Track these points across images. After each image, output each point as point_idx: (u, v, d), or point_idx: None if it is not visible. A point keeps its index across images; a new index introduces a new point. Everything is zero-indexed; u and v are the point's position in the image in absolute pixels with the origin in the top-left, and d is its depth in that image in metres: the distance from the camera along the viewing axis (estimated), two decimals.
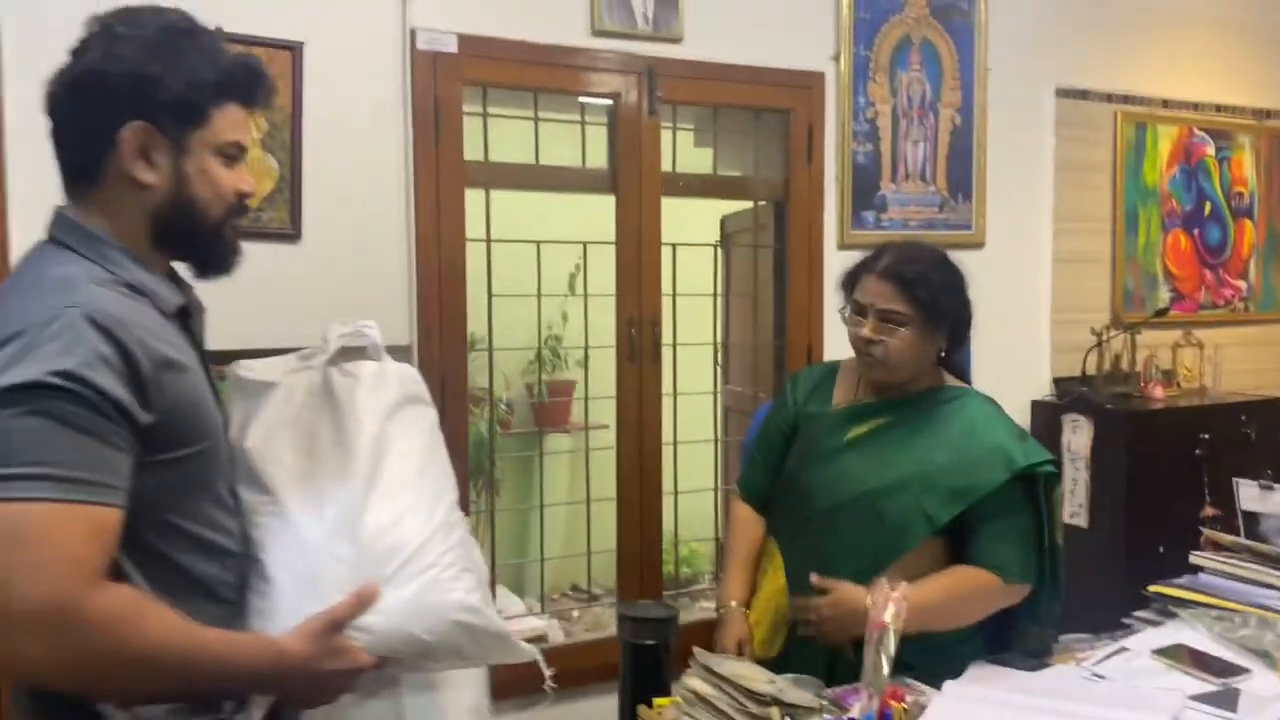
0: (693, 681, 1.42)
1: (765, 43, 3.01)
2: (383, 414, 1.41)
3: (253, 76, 1.31)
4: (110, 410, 1.12)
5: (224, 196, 1.30)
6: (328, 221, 2.49)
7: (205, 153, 1.27)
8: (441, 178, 2.60)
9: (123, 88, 1.21)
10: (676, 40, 2.87)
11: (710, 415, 3.26)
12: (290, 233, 2.46)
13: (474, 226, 2.70)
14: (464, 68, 2.61)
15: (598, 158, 2.91)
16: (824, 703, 1.33)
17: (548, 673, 1.50)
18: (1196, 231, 3.88)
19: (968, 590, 1.90)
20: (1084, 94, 3.60)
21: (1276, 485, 2.21)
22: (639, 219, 2.87)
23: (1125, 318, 3.63)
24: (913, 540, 1.91)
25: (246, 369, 1.48)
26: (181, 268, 1.38)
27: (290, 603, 1.27)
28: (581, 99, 2.87)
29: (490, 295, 2.81)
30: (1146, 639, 1.96)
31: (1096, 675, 1.83)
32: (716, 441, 3.23)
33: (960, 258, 3.30)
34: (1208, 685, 1.76)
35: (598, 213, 2.97)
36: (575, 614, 3.29)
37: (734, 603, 2.03)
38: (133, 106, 1.21)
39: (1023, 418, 3.54)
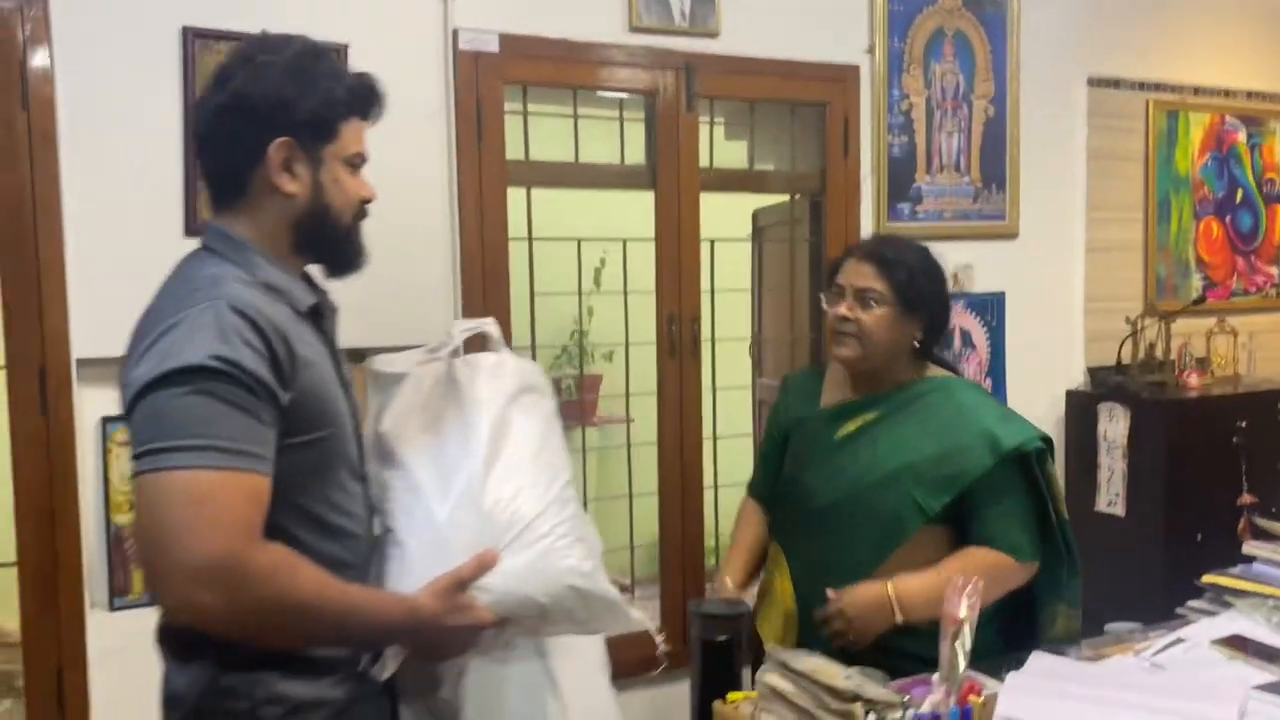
0: (770, 677, 1.44)
1: (800, 36, 3.01)
2: (502, 399, 1.54)
3: (372, 93, 1.47)
4: (259, 389, 1.27)
5: (352, 202, 1.46)
6: (373, 221, 2.48)
7: (336, 163, 1.42)
8: (485, 177, 2.62)
9: (267, 109, 1.36)
10: (713, 35, 2.88)
11: (748, 409, 3.27)
12: None
13: (513, 225, 2.71)
14: (505, 67, 2.62)
15: (634, 154, 2.92)
16: (906, 697, 1.35)
17: (659, 638, 1.60)
18: (1228, 218, 3.87)
19: (981, 569, 1.87)
20: (1116, 83, 3.59)
21: None
22: (677, 215, 2.88)
23: (1158, 306, 3.63)
24: (908, 531, 1.94)
25: (381, 363, 1.65)
26: (314, 271, 1.53)
27: (420, 566, 1.40)
28: (620, 95, 2.87)
29: (533, 294, 2.81)
30: (1204, 629, 1.97)
31: (1156, 665, 1.85)
32: (755, 436, 3.24)
33: (992, 249, 3.36)
34: (1270, 675, 1.76)
35: (617, 209, 2.99)
36: None
37: (728, 579, 2.07)
38: (276, 125, 1.37)
39: (1057, 407, 3.55)
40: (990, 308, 3.39)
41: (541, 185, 2.82)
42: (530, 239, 2.79)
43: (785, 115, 3.14)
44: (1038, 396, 3.51)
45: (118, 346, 2.29)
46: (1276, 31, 3.94)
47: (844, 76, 3.08)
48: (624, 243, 2.96)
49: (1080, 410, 3.48)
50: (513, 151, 2.70)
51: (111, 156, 2.27)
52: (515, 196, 2.72)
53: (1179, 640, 1.93)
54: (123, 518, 2.34)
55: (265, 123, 1.37)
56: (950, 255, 3.26)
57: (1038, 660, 1.89)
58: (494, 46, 2.60)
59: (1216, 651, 1.87)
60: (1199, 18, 3.77)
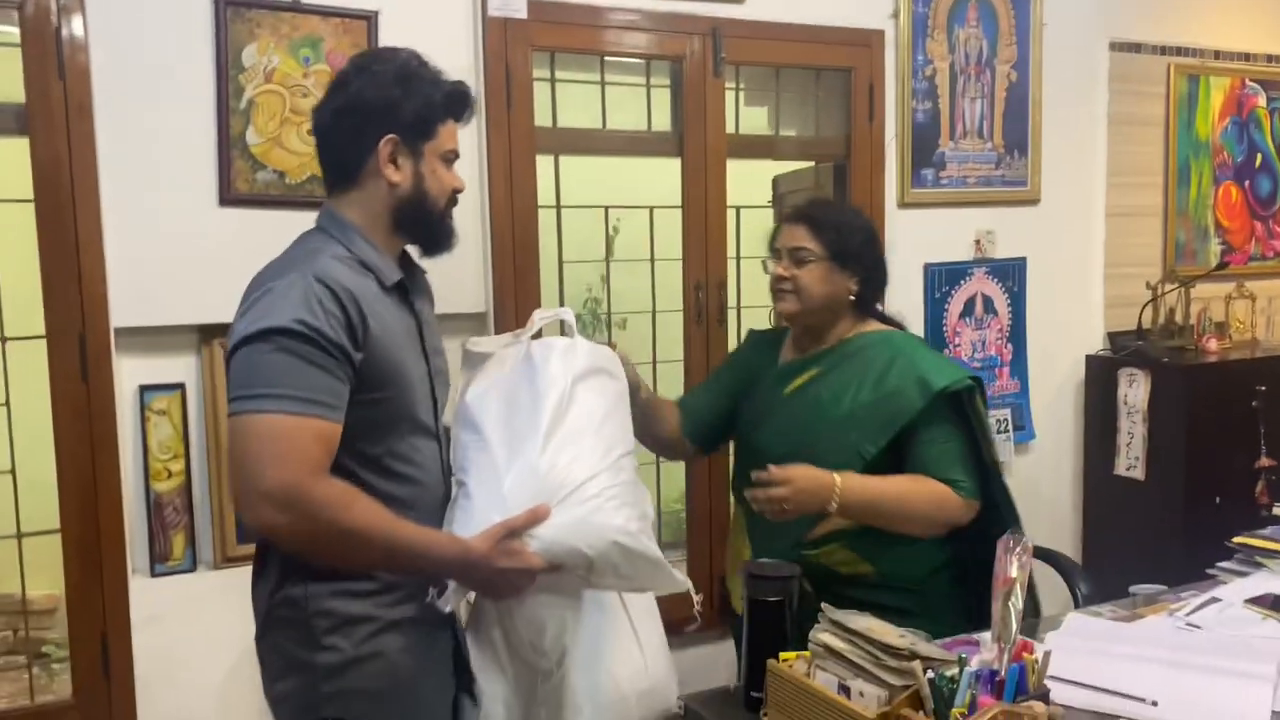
0: (823, 636, 1.46)
1: (825, 1, 3.00)
2: (570, 377, 1.71)
3: (465, 99, 1.69)
4: (334, 349, 1.49)
5: (445, 191, 1.68)
6: None
7: (434, 158, 1.65)
8: (514, 144, 2.62)
9: (378, 111, 1.60)
10: (739, 1, 2.87)
11: None
12: None
13: (541, 193, 2.71)
14: (534, 33, 2.62)
15: (659, 122, 2.92)
16: (962, 654, 1.37)
17: (696, 598, 1.77)
18: (1247, 183, 3.87)
19: (923, 491, 1.99)
20: (1137, 47, 3.58)
21: None
22: (704, 181, 2.88)
23: (1178, 271, 3.64)
24: None
25: (473, 344, 1.88)
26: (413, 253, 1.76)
27: (480, 514, 1.58)
28: (646, 61, 2.86)
29: (561, 262, 2.82)
30: (1236, 589, 2.00)
31: (1192, 625, 1.88)
32: None
33: (1014, 215, 3.37)
34: None
35: (633, 175, 2.98)
36: None
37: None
38: (385, 124, 1.60)
39: (1077, 372, 3.57)
40: (1012, 273, 3.40)
41: (569, 153, 2.82)
42: (559, 206, 2.80)
43: (806, 81, 3.14)
44: (1058, 361, 3.53)
45: (155, 315, 2.34)
46: None
47: (869, 41, 3.07)
48: (650, 210, 2.96)
49: (1100, 375, 3.50)
50: (540, 119, 2.70)
51: (146, 126, 2.27)
52: (543, 164, 2.72)
53: (1213, 600, 1.96)
54: (161, 485, 2.36)
55: (376, 122, 1.59)
56: (973, 221, 3.33)
57: (1075, 621, 1.93)
58: (523, 13, 2.59)
59: (1251, 611, 1.91)
60: None
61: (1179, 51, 3.66)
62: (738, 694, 1.67)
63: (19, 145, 2.18)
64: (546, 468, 1.60)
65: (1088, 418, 3.56)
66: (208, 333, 2.37)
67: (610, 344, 1.98)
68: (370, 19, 2.44)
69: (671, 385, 2.98)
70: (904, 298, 3.20)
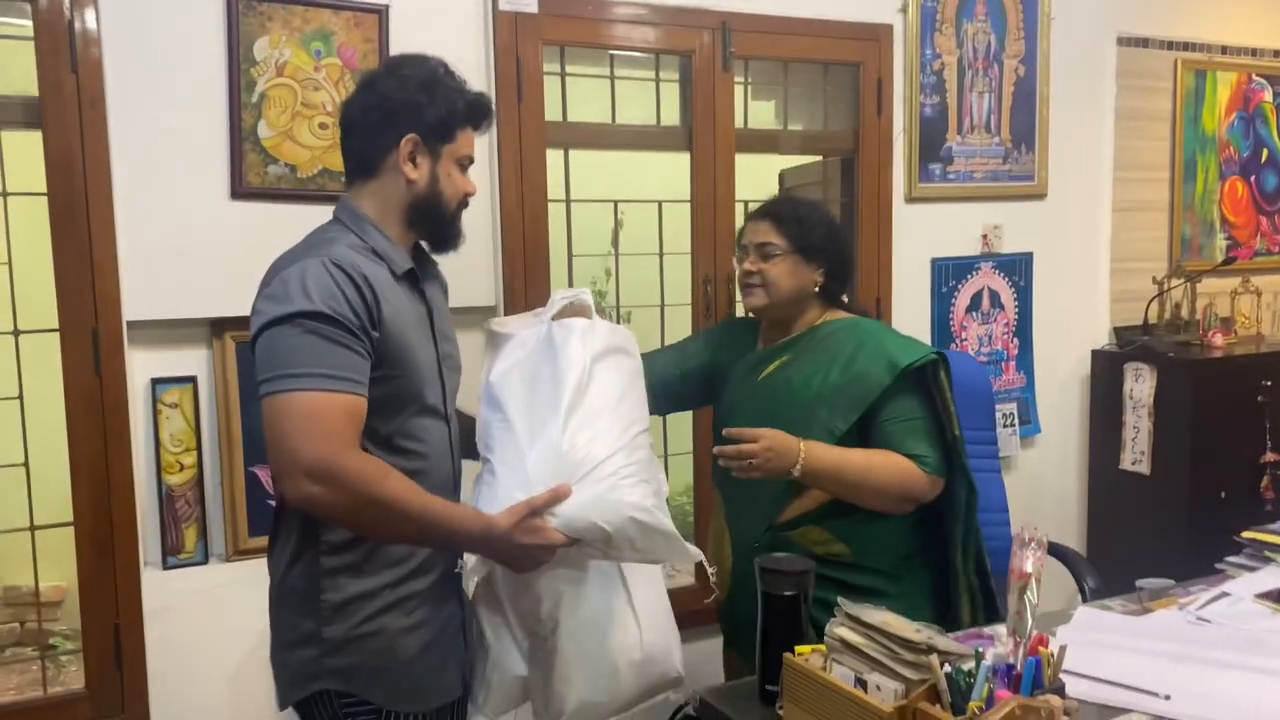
0: (840, 630, 1.47)
1: None
2: (589, 358, 1.77)
3: (485, 109, 1.78)
4: (356, 329, 1.58)
5: (458, 194, 1.76)
6: None
7: (450, 161, 1.74)
8: (524, 139, 2.62)
9: (403, 110, 1.68)
10: None
11: None
12: None
13: (552, 187, 2.71)
14: (544, 28, 2.62)
15: (668, 116, 2.92)
16: (979, 648, 1.38)
17: (711, 570, 1.88)
18: (1253, 178, 3.87)
19: (886, 463, 2.03)
20: (1144, 42, 3.58)
21: None
22: (713, 176, 2.88)
23: (1184, 266, 3.64)
24: None
25: (496, 324, 1.95)
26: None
27: (504, 492, 1.66)
28: (656, 56, 2.86)
29: (570, 256, 2.83)
30: (1246, 584, 2.01)
31: (1202, 619, 1.89)
32: None
33: (1021, 210, 3.37)
34: None
35: (640, 169, 2.98)
36: None
37: None
38: (408, 124, 1.69)
39: (1083, 366, 3.58)
40: (1019, 268, 3.40)
41: (579, 147, 2.82)
42: (569, 200, 2.80)
43: (815, 75, 3.14)
44: (1064, 356, 3.54)
45: (167, 309, 2.35)
46: None
47: (878, 35, 3.07)
48: (659, 204, 2.96)
49: (1106, 369, 3.51)
50: (550, 113, 2.70)
51: (159, 120, 2.27)
52: (553, 158, 2.72)
53: (1223, 595, 1.97)
54: (173, 478, 2.37)
55: (400, 121, 1.68)
56: (980, 216, 3.33)
57: (1085, 615, 1.94)
58: (533, 7, 2.59)
59: (1261, 605, 1.92)
60: None
61: (1186, 46, 3.66)
62: (753, 687, 1.68)
63: (32, 139, 2.18)
64: (567, 447, 1.67)
65: (1093, 412, 3.57)
66: (219, 326, 2.37)
67: None
68: (381, 13, 2.44)
69: None
70: (911, 292, 3.21)
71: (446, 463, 1.77)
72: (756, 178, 3.31)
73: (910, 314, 3.20)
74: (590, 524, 1.64)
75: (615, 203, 2.95)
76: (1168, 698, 1.56)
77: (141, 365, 2.33)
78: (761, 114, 3.17)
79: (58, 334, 2.22)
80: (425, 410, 1.72)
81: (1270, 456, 3.36)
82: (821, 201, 2.22)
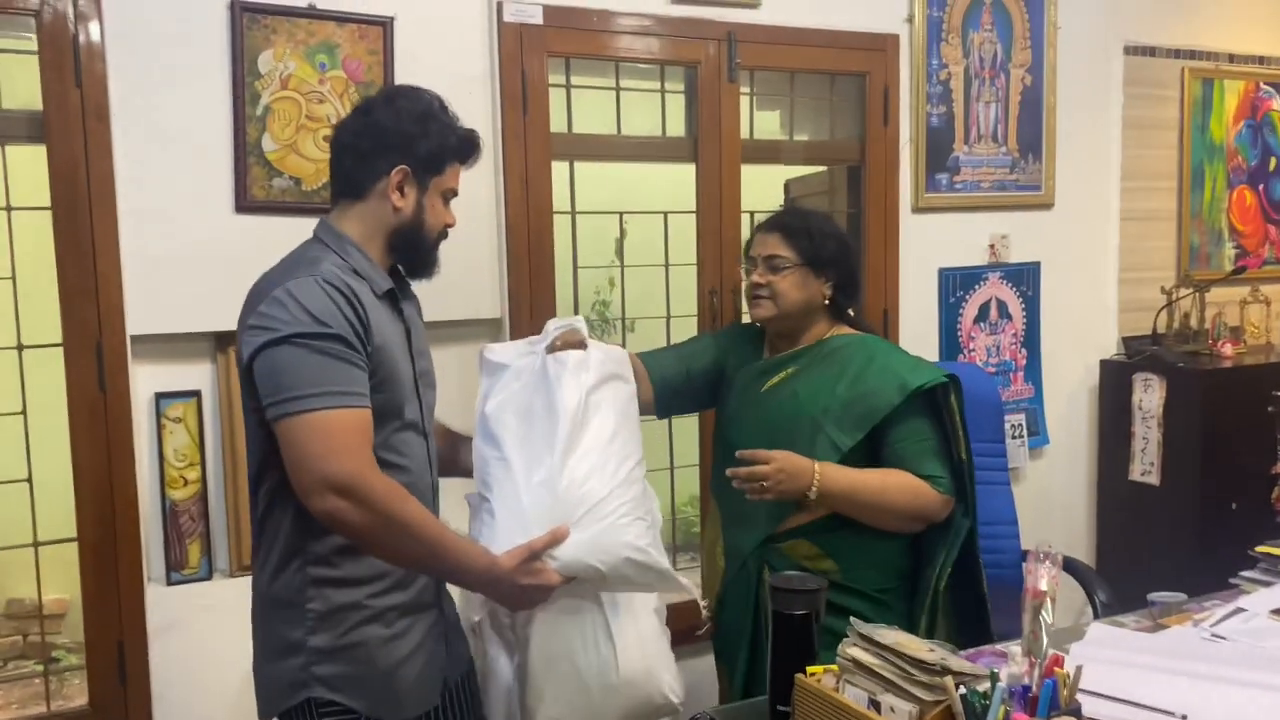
0: (852, 650, 1.45)
1: (840, 5, 2.99)
2: (582, 394, 1.82)
3: (475, 146, 1.82)
4: (355, 343, 1.61)
5: (439, 225, 1.81)
6: None
7: (436, 193, 1.78)
8: (529, 150, 2.61)
9: (396, 140, 1.72)
10: (754, 6, 2.86)
11: None
12: None
13: (556, 199, 2.70)
14: (549, 39, 2.61)
15: (674, 127, 2.91)
16: (994, 669, 1.36)
17: (703, 604, 1.93)
18: (1261, 187, 3.86)
19: (901, 483, 2.03)
20: (1151, 51, 3.57)
21: None
22: (719, 187, 2.87)
23: (1192, 276, 3.63)
24: None
25: (491, 352, 1.97)
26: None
27: (504, 532, 1.72)
28: (661, 67, 2.85)
29: (576, 267, 2.81)
30: (1261, 599, 1.99)
31: (1217, 636, 1.86)
32: None
33: (1029, 219, 3.36)
34: None
35: (642, 181, 2.97)
36: None
37: None
38: (400, 154, 1.72)
39: (1091, 377, 3.56)
40: (1026, 278, 3.39)
41: (584, 158, 2.81)
42: (574, 212, 2.79)
43: (821, 85, 3.13)
44: (1073, 366, 3.52)
45: (171, 323, 2.33)
46: None
47: (884, 46, 3.06)
48: (665, 215, 2.95)
49: (1115, 379, 3.49)
50: (555, 125, 2.69)
51: (163, 133, 2.26)
52: (558, 170, 2.71)
53: (1238, 610, 1.95)
54: (177, 493, 2.35)
55: (392, 150, 1.72)
56: (987, 225, 3.32)
57: (1098, 631, 1.92)
58: (538, 19, 2.58)
59: (1277, 621, 1.89)
60: None
61: (1193, 55, 3.65)
62: (763, 708, 1.66)
63: (36, 152, 2.18)
64: (564, 487, 1.73)
65: (1102, 423, 3.55)
66: (224, 340, 2.36)
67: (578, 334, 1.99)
68: (386, 25, 2.43)
69: None
70: (918, 302, 3.20)
71: (426, 475, 1.81)
72: (762, 188, 3.30)
73: (918, 324, 3.19)
74: (586, 565, 1.71)
75: (620, 214, 2.94)
76: (1184, 717, 1.54)
77: (145, 379, 2.32)
78: (767, 124, 3.16)
79: (61, 348, 2.21)
80: (406, 425, 1.75)
81: None
82: (829, 212, 2.19)
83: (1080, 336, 3.54)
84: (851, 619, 1.51)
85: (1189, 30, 3.64)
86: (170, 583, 2.35)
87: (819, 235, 2.15)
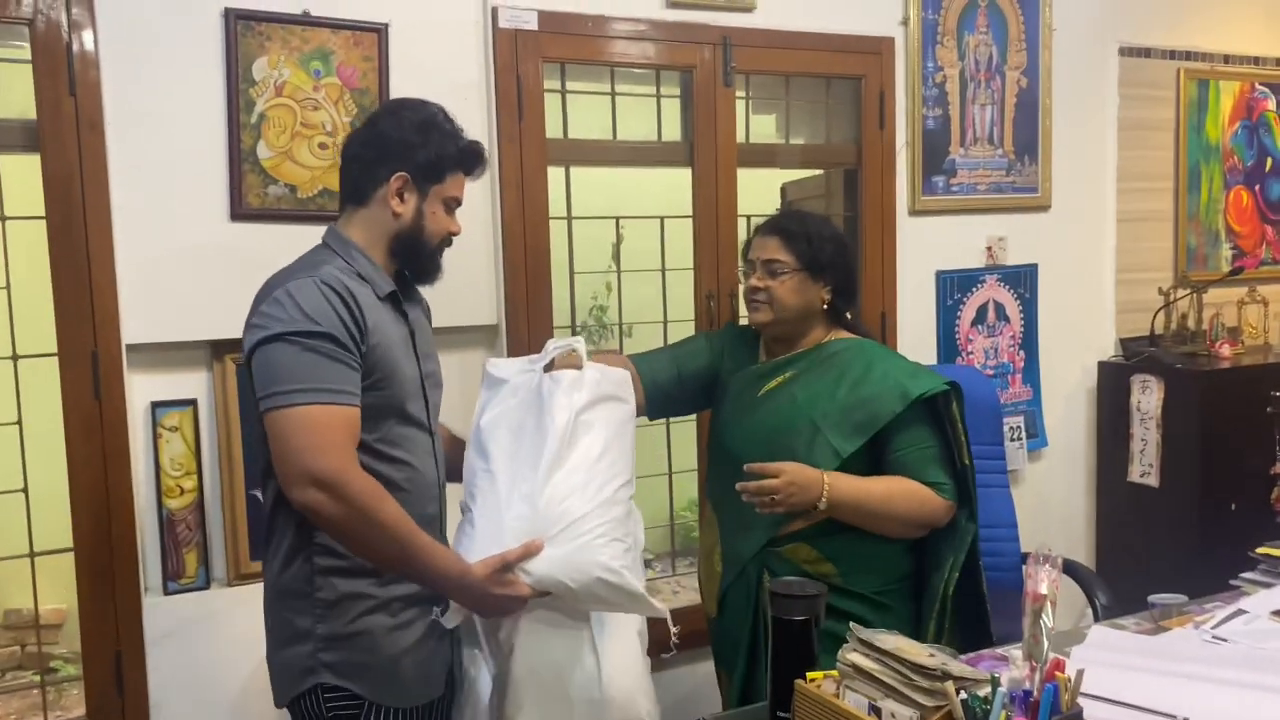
0: (853, 656, 1.44)
1: (835, 8, 2.99)
2: (574, 413, 1.85)
3: (477, 156, 1.87)
4: (349, 343, 1.67)
5: (440, 233, 1.86)
6: None
7: (437, 202, 1.83)
8: (525, 156, 2.60)
9: (398, 148, 1.79)
10: (749, 9, 2.86)
11: None
12: None
13: (553, 204, 2.70)
14: (544, 45, 2.60)
15: (669, 132, 2.91)
16: (996, 674, 1.35)
17: (674, 629, 1.90)
18: (1258, 187, 3.86)
19: (906, 491, 2.03)
20: (1147, 52, 3.57)
21: None
22: (715, 191, 2.87)
23: (1189, 276, 3.63)
24: None
25: (494, 367, 2.00)
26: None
27: (481, 542, 1.76)
28: (656, 72, 2.85)
29: (572, 273, 2.81)
30: (1262, 601, 1.98)
31: (1218, 638, 1.86)
32: None
33: (1025, 222, 3.36)
34: None
35: (637, 185, 2.97)
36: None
37: None
38: (399, 162, 1.78)
39: (1089, 378, 3.55)
40: (1023, 280, 3.38)
41: (580, 163, 2.80)
42: (570, 218, 2.79)
43: (816, 89, 3.12)
44: (1071, 368, 3.52)
45: (167, 332, 2.33)
46: None
47: (879, 49, 3.06)
48: (661, 220, 2.95)
49: (1112, 381, 3.49)
50: (551, 130, 2.68)
51: (157, 141, 2.26)
52: (554, 175, 2.71)
53: (1239, 612, 1.94)
54: (174, 502, 2.35)
55: (393, 158, 1.78)
56: (984, 228, 3.32)
57: (1099, 634, 1.91)
58: (533, 24, 2.58)
59: (1278, 623, 1.88)
60: None
61: (1189, 56, 3.65)
62: (763, 713, 1.65)
63: (30, 162, 2.17)
64: (544, 504, 1.76)
65: (1100, 424, 3.55)
66: (219, 348, 2.35)
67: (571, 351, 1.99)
68: (381, 31, 2.43)
69: None
70: (916, 305, 3.19)
71: (430, 471, 1.86)
72: (758, 192, 3.29)
73: (915, 327, 3.18)
74: (557, 582, 1.74)
75: (617, 219, 2.93)
76: None
77: (141, 388, 2.31)
78: (763, 128, 3.16)
79: (56, 358, 2.20)
80: (408, 421, 1.80)
81: None
82: (826, 216, 2.19)
83: (1078, 338, 3.53)
84: (851, 624, 1.50)
85: (1184, 31, 3.65)
86: (167, 592, 2.34)
87: (818, 239, 2.13)
